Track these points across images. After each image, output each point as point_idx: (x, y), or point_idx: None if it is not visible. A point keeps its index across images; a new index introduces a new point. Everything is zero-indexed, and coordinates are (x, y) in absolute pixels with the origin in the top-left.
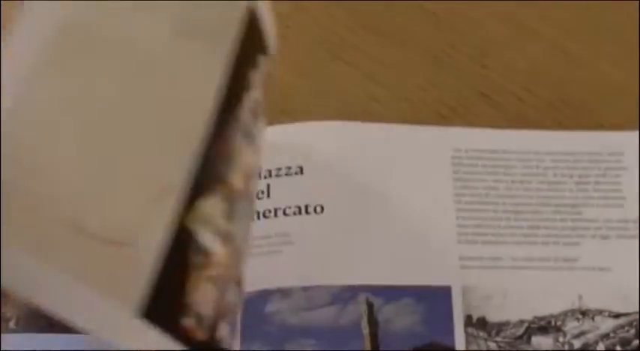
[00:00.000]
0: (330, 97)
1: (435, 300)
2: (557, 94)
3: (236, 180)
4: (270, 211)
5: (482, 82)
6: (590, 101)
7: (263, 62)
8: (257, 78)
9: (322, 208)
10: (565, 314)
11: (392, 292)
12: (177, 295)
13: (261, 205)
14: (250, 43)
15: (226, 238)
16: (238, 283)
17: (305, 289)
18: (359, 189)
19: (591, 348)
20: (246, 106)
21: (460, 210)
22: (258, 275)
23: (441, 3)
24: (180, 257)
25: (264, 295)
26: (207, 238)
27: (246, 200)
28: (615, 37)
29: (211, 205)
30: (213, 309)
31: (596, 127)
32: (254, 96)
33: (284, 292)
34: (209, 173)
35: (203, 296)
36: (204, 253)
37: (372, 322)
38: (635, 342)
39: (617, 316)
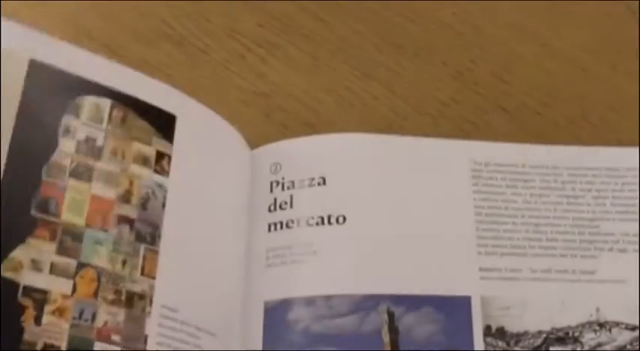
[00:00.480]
0: (353, 110)
1: (454, 310)
2: (576, 109)
3: (66, 216)
4: (293, 222)
5: (503, 97)
6: (609, 117)
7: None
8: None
9: (344, 219)
10: (582, 326)
11: (413, 302)
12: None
13: (284, 216)
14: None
15: (65, 270)
16: (116, 301)
17: (328, 297)
18: (380, 200)
19: None
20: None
21: (480, 222)
22: (281, 284)
23: (464, 20)
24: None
25: (288, 304)
26: (34, 279)
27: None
28: (634, 53)
29: (29, 250)
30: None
31: (615, 142)
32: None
33: (307, 301)
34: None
35: (49, 329)
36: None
37: (393, 330)
38: None
39: (633, 328)
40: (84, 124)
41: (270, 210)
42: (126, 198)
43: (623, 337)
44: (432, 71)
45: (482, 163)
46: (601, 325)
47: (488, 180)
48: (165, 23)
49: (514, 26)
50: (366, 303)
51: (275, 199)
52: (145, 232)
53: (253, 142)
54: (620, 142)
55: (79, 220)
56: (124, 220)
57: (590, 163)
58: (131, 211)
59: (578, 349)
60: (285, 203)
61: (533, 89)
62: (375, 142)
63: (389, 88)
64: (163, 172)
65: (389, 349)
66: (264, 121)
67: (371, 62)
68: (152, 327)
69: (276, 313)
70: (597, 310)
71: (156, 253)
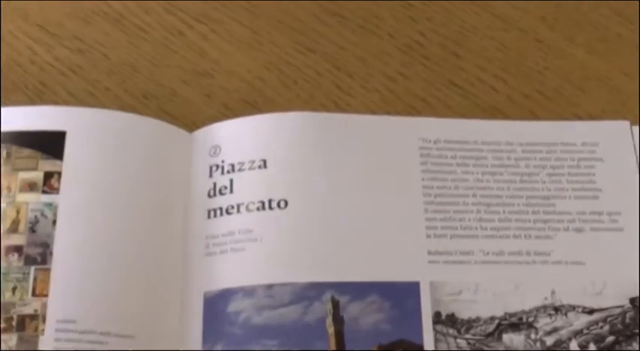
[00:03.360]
0: (297, 88)
1: (402, 296)
2: (531, 83)
3: None
4: (233, 207)
5: (454, 71)
6: (566, 90)
7: None
8: None
9: (286, 203)
10: (537, 310)
11: (358, 289)
12: None
13: (224, 201)
14: None
15: None
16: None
17: (269, 287)
18: (324, 182)
19: (564, 345)
20: None
21: (429, 203)
22: (220, 274)
23: None
24: None
25: (227, 295)
26: None
27: None
28: (591, 24)
29: None
30: None
31: (572, 116)
32: None
33: (247, 291)
34: None
35: None
36: None
37: (338, 320)
38: (610, 339)
39: (591, 311)
40: None
41: (209, 195)
42: (13, 228)
43: (580, 321)
44: (378, 44)
45: (431, 140)
46: (556, 309)
47: (437, 158)
48: (102, 1)
49: None
50: (309, 292)
51: (215, 184)
52: (35, 254)
53: (193, 124)
54: (578, 117)
55: None
56: (12, 249)
57: (545, 138)
58: (19, 240)
59: (533, 335)
60: (225, 188)
61: (486, 63)
62: (317, 122)
63: (333, 63)
64: (53, 190)
65: (334, 339)
66: (206, 102)
67: (314, 36)
68: (48, 343)
69: (215, 305)
70: (552, 293)
71: (48, 270)
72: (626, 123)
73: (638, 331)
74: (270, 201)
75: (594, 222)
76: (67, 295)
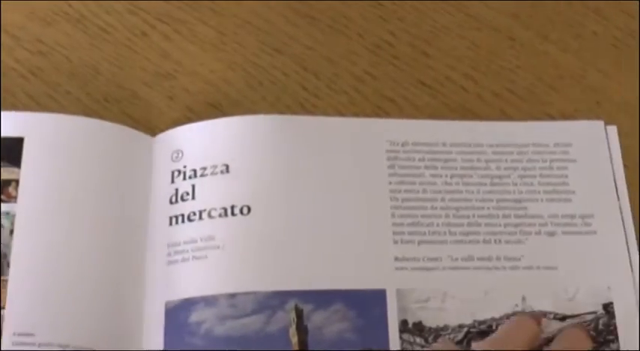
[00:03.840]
0: (262, 89)
1: (368, 305)
2: (502, 82)
3: None
4: (195, 214)
5: (424, 71)
6: (538, 89)
7: None
8: None
9: (249, 209)
10: (507, 317)
11: (322, 298)
12: None
13: (186, 208)
14: None
15: None
16: None
17: (231, 296)
18: (287, 188)
19: None
20: None
21: (396, 207)
22: (181, 283)
23: None
24: None
25: (188, 305)
26: None
27: None
28: (566, 21)
29: None
30: None
31: (545, 116)
32: None
33: (209, 301)
34: None
35: None
36: None
37: (302, 329)
38: None
39: (563, 318)
40: None
41: (171, 202)
42: None
43: (552, 327)
44: (347, 44)
45: (398, 143)
46: None
47: (405, 161)
48: (63, 1)
49: None
50: (272, 301)
51: (176, 190)
52: None
53: (156, 128)
54: (550, 116)
55: None
56: None
57: (516, 139)
58: None
59: None
60: (187, 194)
61: (456, 62)
62: (281, 125)
63: (300, 64)
64: (10, 198)
65: (297, 349)
66: (168, 104)
67: (281, 36)
68: None
69: (177, 315)
70: (523, 299)
71: (5, 282)
72: (600, 123)
73: (611, 337)
74: (232, 207)
75: (567, 225)
76: (24, 308)
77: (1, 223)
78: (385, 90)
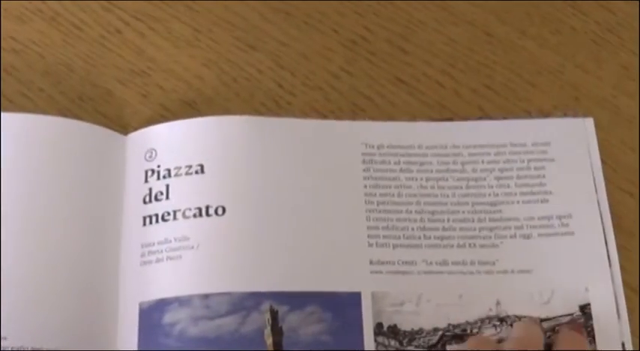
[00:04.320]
0: (237, 86)
1: (343, 307)
2: (480, 78)
3: None
4: (169, 214)
5: (400, 67)
6: (516, 85)
7: None
8: None
9: (224, 210)
10: (482, 321)
11: (297, 299)
12: None
13: (160, 208)
14: None
15: None
16: None
17: (205, 296)
18: (263, 189)
19: None
20: None
21: (371, 211)
22: (155, 283)
23: None
24: None
25: (162, 305)
26: None
27: None
28: (544, 16)
29: None
30: None
31: (522, 112)
32: None
33: (183, 301)
34: None
35: None
36: None
37: (276, 331)
38: None
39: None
40: None
41: (145, 202)
42: None
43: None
44: (322, 40)
45: (374, 145)
46: (502, 320)
47: (380, 164)
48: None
49: None
50: (247, 302)
51: (150, 190)
52: None
53: (130, 126)
54: (528, 112)
55: None
56: None
57: (493, 139)
58: None
59: None
60: (161, 194)
61: (433, 58)
62: (256, 126)
63: (275, 61)
64: None
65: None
66: (142, 102)
67: (256, 32)
68: None
69: (151, 316)
70: (497, 303)
71: None
72: (580, 120)
73: (589, 338)
74: (207, 207)
75: (543, 227)
76: None
77: None
78: (361, 87)
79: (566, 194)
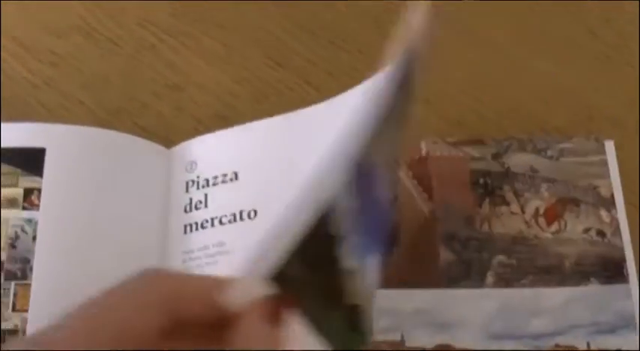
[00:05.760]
0: (268, 102)
1: None
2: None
3: None
4: (207, 222)
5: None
6: (531, 104)
7: None
8: None
9: (255, 213)
10: None
11: None
12: None
13: (199, 216)
14: None
15: None
16: None
17: None
18: (290, 189)
19: None
20: None
21: None
22: None
23: (383, 5)
24: None
25: None
26: None
27: None
28: (556, 37)
29: None
30: None
31: (540, 132)
32: None
33: None
34: None
35: None
36: None
37: None
38: None
39: None
40: None
41: (186, 211)
42: None
43: None
44: (347, 60)
45: None
46: None
47: None
48: (75, 14)
49: None
50: None
51: (191, 199)
52: (15, 269)
53: (166, 138)
54: (545, 131)
55: None
56: None
57: None
58: None
59: None
60: (200, 202)
61: (453, 80)
62: (282, 125)
63: (304, 78)
64: (33, 206)
65: None
66: (177, 115)
67: (285, 51)
68: None
69: None
70: None
71: (28, 286)
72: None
73: None
74: (241, 212)
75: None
76: (46, 311)
77: (25, 229)
78: None
79: None
